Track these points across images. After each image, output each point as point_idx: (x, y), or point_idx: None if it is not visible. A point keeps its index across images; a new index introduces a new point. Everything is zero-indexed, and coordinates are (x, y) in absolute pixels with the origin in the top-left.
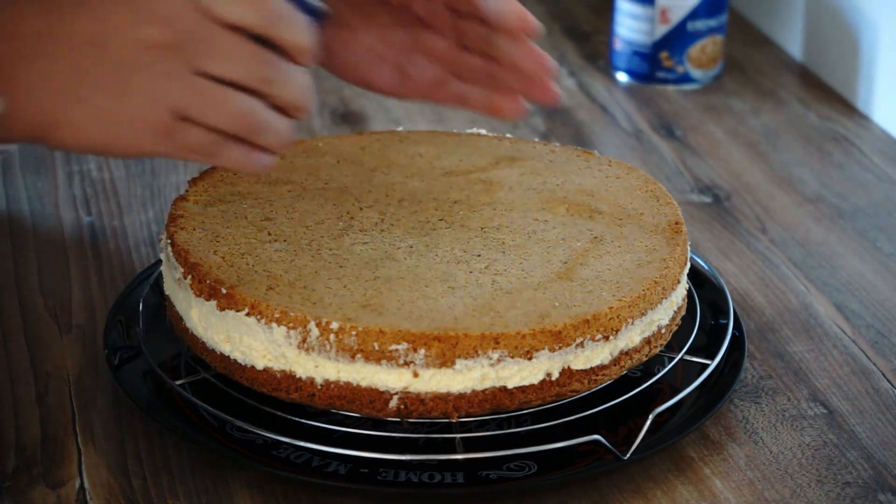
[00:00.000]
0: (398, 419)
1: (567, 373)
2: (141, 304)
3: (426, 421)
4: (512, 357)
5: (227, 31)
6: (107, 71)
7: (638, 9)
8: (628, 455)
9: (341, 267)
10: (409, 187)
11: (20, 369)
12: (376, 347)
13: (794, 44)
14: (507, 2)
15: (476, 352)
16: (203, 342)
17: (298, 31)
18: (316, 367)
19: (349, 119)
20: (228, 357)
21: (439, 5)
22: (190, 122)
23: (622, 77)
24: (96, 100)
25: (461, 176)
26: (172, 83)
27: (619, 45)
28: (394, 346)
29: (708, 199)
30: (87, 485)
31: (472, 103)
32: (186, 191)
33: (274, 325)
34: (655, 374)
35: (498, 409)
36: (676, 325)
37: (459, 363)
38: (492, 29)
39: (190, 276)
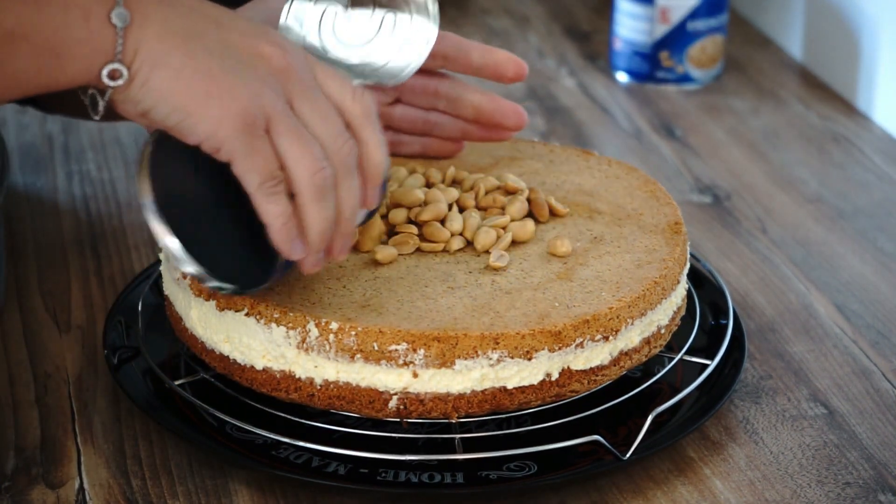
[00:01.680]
0: (398, 419)
1: (567, 373)
2: (140, 304)
3: (426, 421)
4: (512, 357)
5: (325, 96)
6: (220, 45)
7: (638, 9)
8: (628, 455)
9: (341, 267)
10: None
11: (20, 369)
12: (376, 348)
13: (794, 44)
14: (501, 51)
15: (476, 352)
16: (202, 342)
17: (380, 145)
18: (315, 367)
19: None
20: (228, 357)
21: None
22: (268, 139)
23: (622, 77)
24: (204, 59)
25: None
26: (271, 93)
27: (619, 45)
28: (393, 347)
29: (708, 199)
30: (86, 485)
31: (408, 150)
32: None
33: (273, 325)
34: (655, 375)
35: (498, 409)
36: (676, 325)
37: (459, 363)
38: (459, 83)
39: (189, 276)
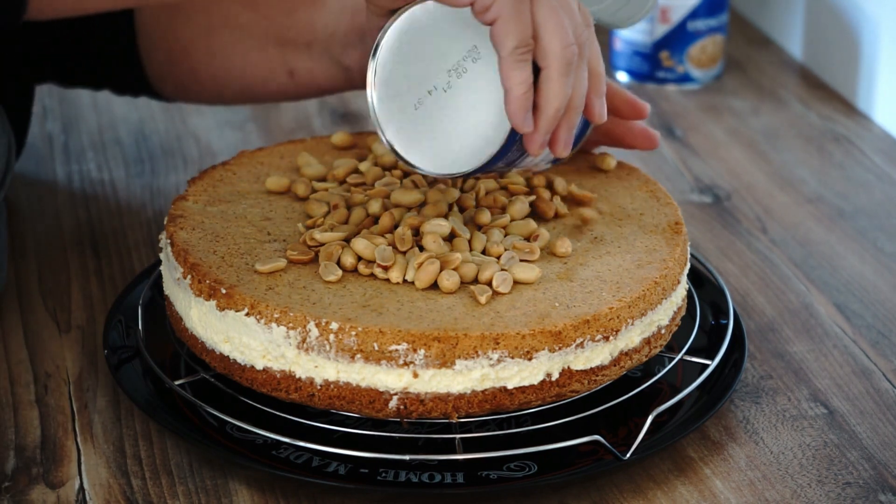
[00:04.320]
0: (398, 419)
1: (567, 373)
2: (140, 305)
3: (426, 421)
4: (512, 357)
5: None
6: None
7: None
8: (628, 455)
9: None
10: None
11: (19, 369)
12: (376, 348)
13: (794, 43)
14: (619, 94)
15: (476, 352)
16: (202, 342)
17: (600, 56)
18: (315, 367)
19: (349, 119)
20: (228, 357)
21: None
22: (530, 7)
23: (622, 77)
24: None
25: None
26: None
27: (619, 45)
28: (393, 347)
29: (708, 199)
30: (86, 485)
31: None
32: (186, 191)
33: (273, 325)
34: (655, 375)
35: (498, 409)
36: (676, 325)
37: (459, 363)
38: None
39: (189, 276)
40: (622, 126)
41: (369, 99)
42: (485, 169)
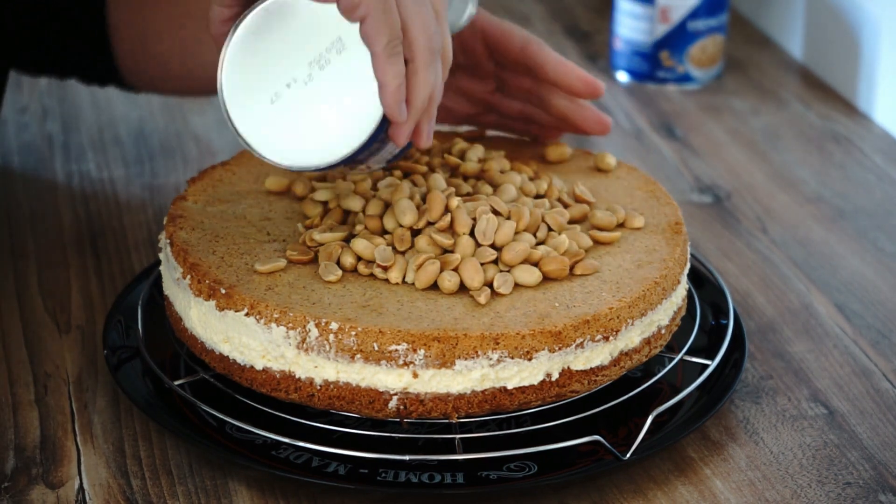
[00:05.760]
0: (398, 419)
1: (567, 373)
2: (140, 305)
3: (426, 421)
4: (512, 357)
5: None
6: None
7: (638, 8)
8: (628, 455)
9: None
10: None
11: (19, 369)
12: (376, 348)
13: (794, 43)
14: (574, 71)
15: (476, 352)
16: (202, 342)
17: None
18: (315, 367)
19: None
20: (227, 357)
21: (483, 58)
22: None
23: (622, 76)
24: None
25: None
26: None
27: (619, 45)
28: (393, 347)
29: (708, 199)
30: (86, 485)
31: (511, 129)
32: (186, 191)
33: (273, 325)
34: (656, 375)
35: (498, 409)
36: (676, 325)
37: (459, 364)
38: (546, 85)
39: (189, 276)
40: (576, 109)
41: (220, 93)
42: (349, 161)
